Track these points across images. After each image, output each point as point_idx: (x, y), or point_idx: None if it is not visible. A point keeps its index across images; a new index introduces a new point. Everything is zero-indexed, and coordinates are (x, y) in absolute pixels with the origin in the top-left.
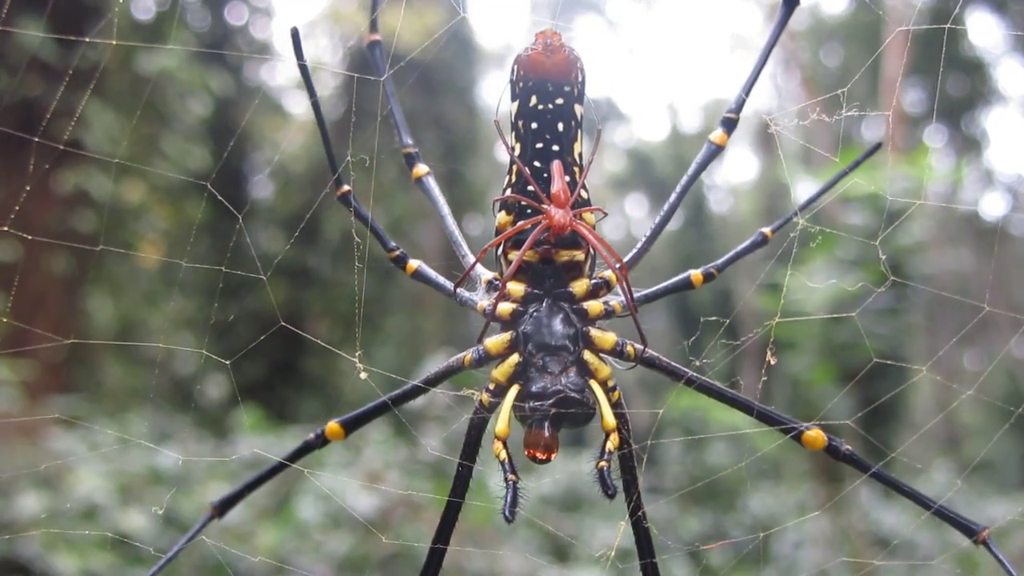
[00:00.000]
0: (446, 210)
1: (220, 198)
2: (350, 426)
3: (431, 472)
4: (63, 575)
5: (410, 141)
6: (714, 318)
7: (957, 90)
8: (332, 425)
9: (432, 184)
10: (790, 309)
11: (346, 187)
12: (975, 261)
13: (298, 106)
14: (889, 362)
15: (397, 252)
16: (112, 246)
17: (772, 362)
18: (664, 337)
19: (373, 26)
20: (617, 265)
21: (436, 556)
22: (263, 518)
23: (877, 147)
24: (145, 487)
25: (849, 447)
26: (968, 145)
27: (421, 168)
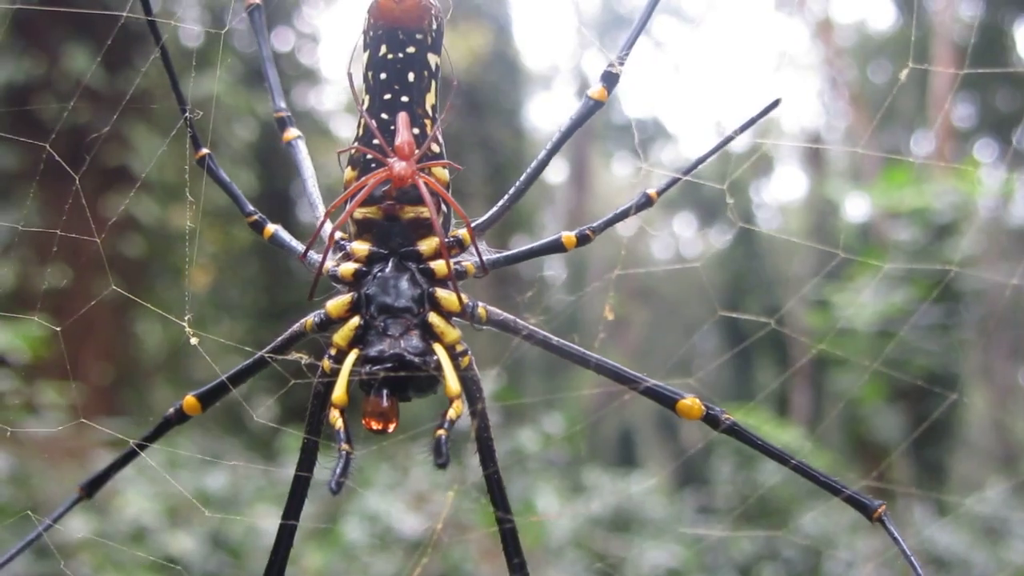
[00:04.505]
0: (309, 173)
1: (58, 159)
2: (206, 400)
3: (479, 492)
4: None
5: (283, 105)
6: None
7: (1007, 104)
8: (189, 399)
9: (301, 147)
10: (839, 326)
11: (204, 150)
12: None
13: (346, 129)
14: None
15: (255, 217)
16: (160, 270)
17: (610, 317)
18: (712, 356)
19: None
20: (462, 232)
21: (287, 532)
22: (310, 540)
23: (776, 104)
24: (193, 510)
25: (730, 417)
26: (1019, 159)
27: (292, 132)
